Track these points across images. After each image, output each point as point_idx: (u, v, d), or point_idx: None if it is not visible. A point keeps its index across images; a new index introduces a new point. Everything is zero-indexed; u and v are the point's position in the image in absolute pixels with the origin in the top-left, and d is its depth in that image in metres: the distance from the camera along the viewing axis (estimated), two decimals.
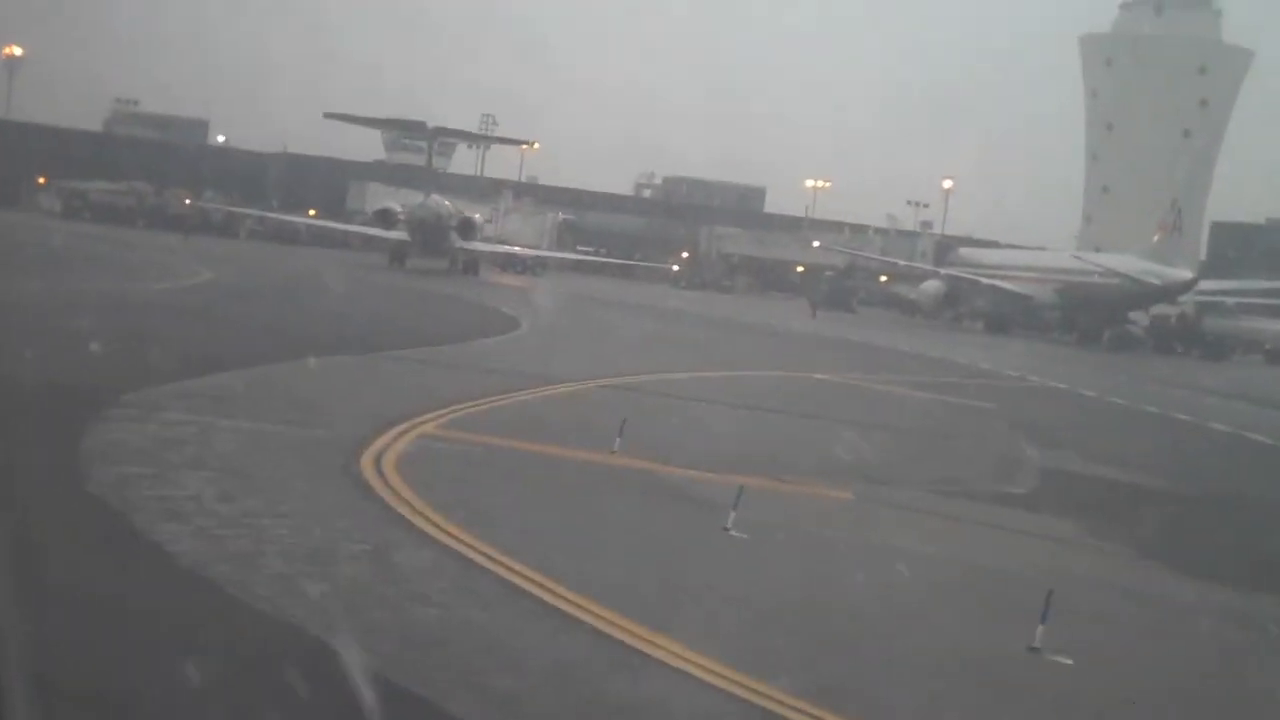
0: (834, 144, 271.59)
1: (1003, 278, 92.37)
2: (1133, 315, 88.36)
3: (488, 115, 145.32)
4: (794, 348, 52.84)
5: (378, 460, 17.47)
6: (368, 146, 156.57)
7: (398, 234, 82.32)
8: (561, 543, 14.44)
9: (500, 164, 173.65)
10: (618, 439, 20.33)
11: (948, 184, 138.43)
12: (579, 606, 11.56)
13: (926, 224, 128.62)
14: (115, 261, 55.41)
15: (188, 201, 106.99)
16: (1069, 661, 11.83)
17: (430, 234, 79.63)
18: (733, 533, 15.36)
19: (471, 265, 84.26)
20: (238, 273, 56.46)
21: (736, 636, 11.65)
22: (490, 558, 12.92)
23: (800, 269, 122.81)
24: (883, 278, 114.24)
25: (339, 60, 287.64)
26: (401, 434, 19.63)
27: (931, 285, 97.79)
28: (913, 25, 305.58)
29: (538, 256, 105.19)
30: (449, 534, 13.75)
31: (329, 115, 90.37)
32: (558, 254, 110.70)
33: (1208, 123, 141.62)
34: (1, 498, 13.16)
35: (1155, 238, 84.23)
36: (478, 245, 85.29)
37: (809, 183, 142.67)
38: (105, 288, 40.84)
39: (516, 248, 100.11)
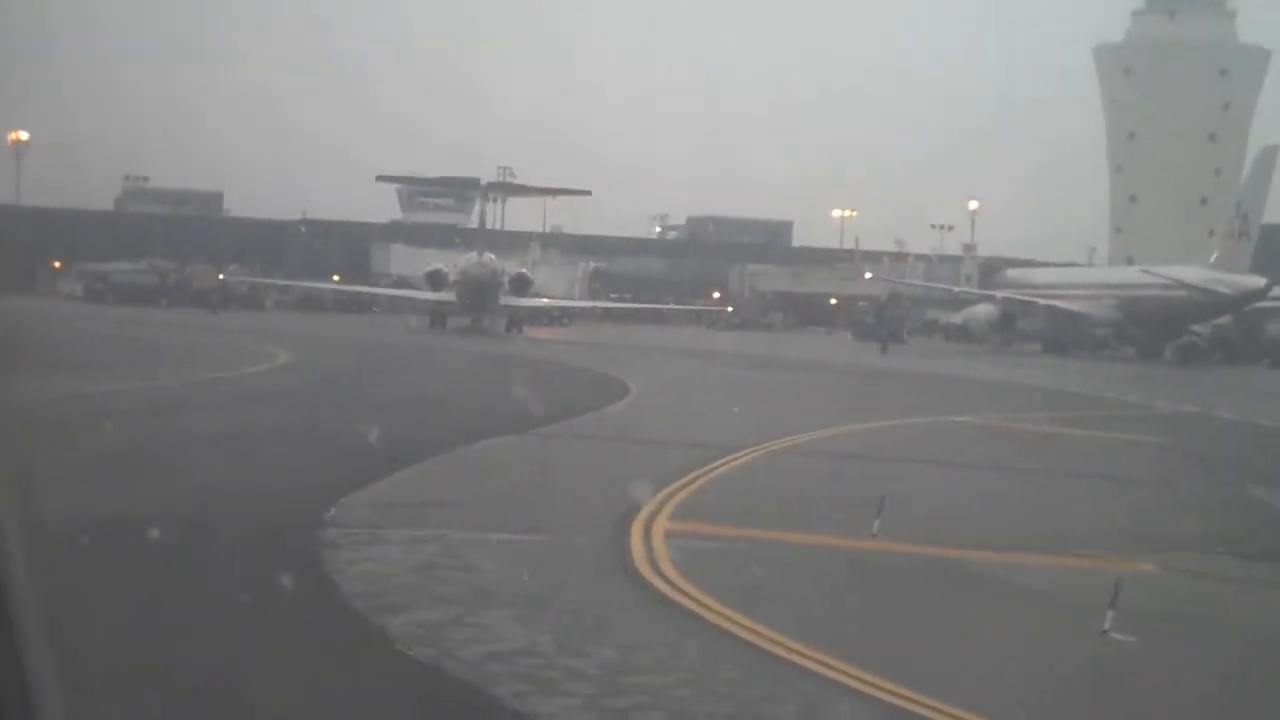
0: (848, 171, 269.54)
1: (1058, 297, 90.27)
2: (1193, 327, 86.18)
3: (504, 167, 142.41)
4: (902, 388, 50.39)
5: (655, 567, 15.31)
6: (385, 206, 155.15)
7: (441, 295, 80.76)
8: (945, 669, 12.26)
9: (520, 215, 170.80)
10: (876, 520, 18.19)
11: (973, 205, 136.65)
12: None
13: (969, 247, 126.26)
14: (177, 347, 52.94)
15: (221, 277, 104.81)
16: None
17: (483, 293, 77.64)
18: (1114, 635, 13.06)
19: (517, 322, 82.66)
20: (309, 350, 53.83)
21: None
22: (909, 699, 10.72)
23: (834, 301, 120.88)
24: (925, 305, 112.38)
25: (345, 120, 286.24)
26: (645, 531, 17.44)
27: (983, 309, 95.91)
28: (918, 46, 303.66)
29: (578, 308, 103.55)
30: (833, 669, 11.50)
31: (381, 178, 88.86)
32: (599, 304, 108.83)
33: (1231, 125, 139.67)
34: (330, 678, 10.78)
35: (1217, 248, 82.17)
36: (523, 301, 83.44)
37: (835, 213, 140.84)
38: (195, 379, 38.33)
39: (545, 300, 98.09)
